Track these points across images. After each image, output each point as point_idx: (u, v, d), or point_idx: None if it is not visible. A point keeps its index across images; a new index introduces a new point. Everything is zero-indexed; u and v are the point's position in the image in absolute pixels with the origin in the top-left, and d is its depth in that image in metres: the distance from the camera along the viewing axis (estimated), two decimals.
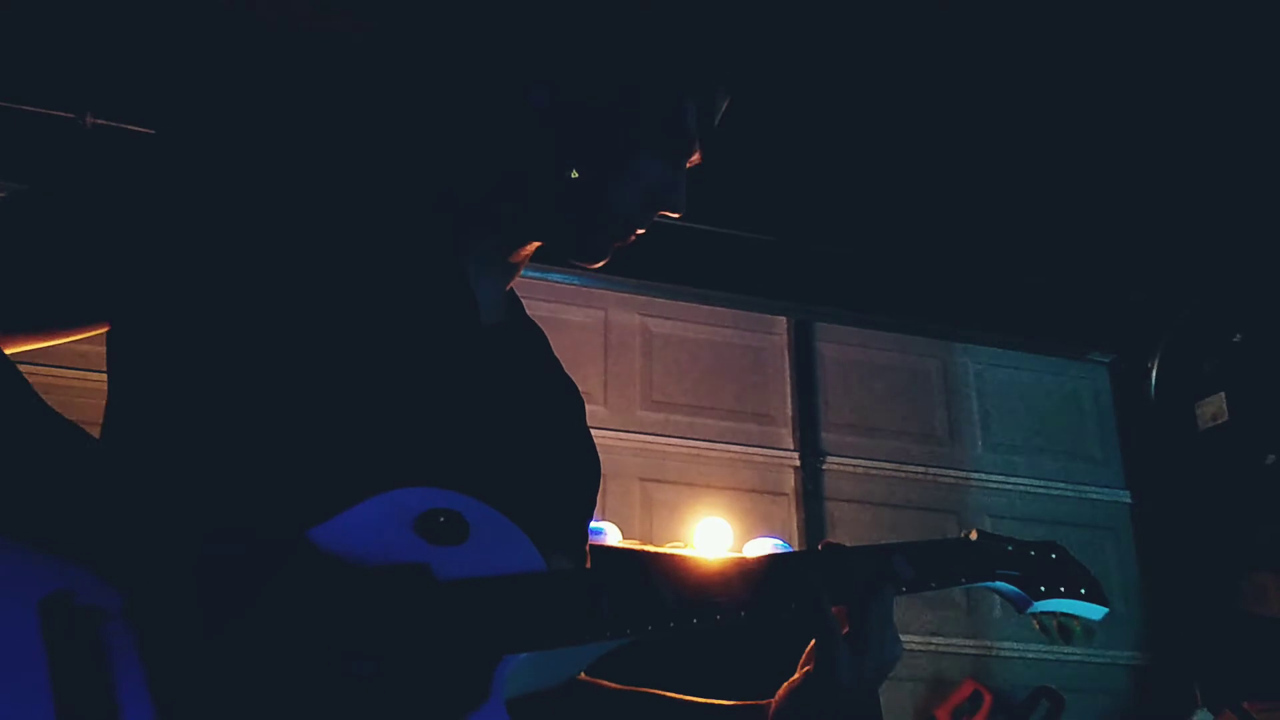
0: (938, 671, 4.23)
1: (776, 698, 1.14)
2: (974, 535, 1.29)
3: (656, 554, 3.37)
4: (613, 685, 1.23)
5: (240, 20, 3.42)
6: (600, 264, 1.22)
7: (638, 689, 1.23)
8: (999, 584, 1.27)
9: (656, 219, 1.23)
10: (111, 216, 1.01)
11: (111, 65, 3.53)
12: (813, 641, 1.12)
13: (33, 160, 3.48)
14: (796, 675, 1.13)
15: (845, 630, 1.10)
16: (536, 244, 1.23)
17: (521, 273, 1.29)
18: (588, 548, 1.26)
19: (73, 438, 0.92)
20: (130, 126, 3.55)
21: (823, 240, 4.44)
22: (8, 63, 3.46)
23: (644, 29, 1.18)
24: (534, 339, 1.30)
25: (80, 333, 1.06)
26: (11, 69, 3.48)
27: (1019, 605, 1.29)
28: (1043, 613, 1.30)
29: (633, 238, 1.22)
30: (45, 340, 1.04)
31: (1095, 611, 1.31)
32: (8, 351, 0.97)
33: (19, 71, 3.50)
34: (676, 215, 1.22)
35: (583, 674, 1.22)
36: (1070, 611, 1.30)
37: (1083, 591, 1.30)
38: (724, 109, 1.23)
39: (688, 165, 1.22)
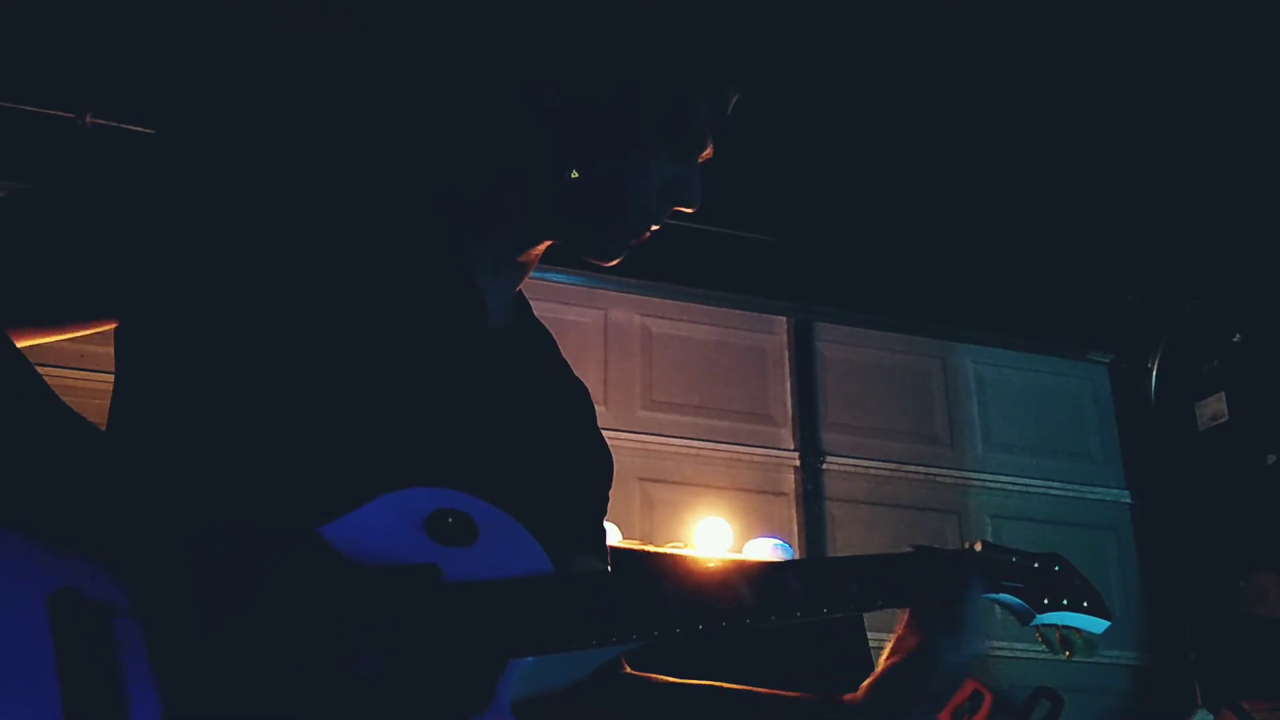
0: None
1: (866, 688, 1.20)
2: (978, 546, 1.29)
3: (664, 557, 3.37)
4: (671, 679, 1.23)
5: (240, 20, 3.42)
6: (615, 262, 1.22)
7: (699, 682, 1.23)
8: (1003, 595, 1.28)
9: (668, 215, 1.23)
10: (121, 213, 1.01)
11: (111, 65, 3.53)
12: (894, 638, 1.21)
13: (33, 160, 3.47)
14: (892, 663, 1.19)
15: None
16: (547, 244, 1.23)
17: (531, 273, 1.28)
18: (606, 545, 1.27)
19: (82, 433, 0.92)
20: (130, 126, 3.55)
21: (823, 240, 4.44)
22: (8, 63, 3.45)
23: (643, 27, 1.18)
24: (542, 340, 1.30)
25: (88, 328, 1.06)
26: (11, 69, 3.47)
27: (1022, 617, 1.30)
28: (1045, 625, 1.30)
29: (647, 235, 1.22)
30: (54, 334, 1.04)
31: (1097, 625, 1.32)
32: (17, 344, 0.97)
33: (19, 71, 3.49)
34: (691, 210, 1.22)
35: (628, 668, 1.23)
36: (1072, 624, 1.31)
37: (1085, 605, 1.31)
38: (734, 102, 1.23)
39: (700, 159, 1.22)
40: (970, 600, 1.21)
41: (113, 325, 1.06)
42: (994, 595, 1.28)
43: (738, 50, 1.22)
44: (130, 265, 1.01)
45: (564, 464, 1.21)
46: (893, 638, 1.22)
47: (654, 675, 1.24)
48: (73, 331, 1.05)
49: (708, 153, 1.23)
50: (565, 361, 1.33)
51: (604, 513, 1.29)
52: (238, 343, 1.01)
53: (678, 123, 1.18)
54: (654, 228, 1.22)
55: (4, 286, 0.98)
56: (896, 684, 1.18)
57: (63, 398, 0.94)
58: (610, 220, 1.18)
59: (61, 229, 1.00)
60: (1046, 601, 1.29)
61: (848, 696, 1.21)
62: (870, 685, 1.20)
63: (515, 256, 1.23)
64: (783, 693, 1.23)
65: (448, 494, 1.01)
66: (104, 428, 1.05)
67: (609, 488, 1.30)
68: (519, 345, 1.24)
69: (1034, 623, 1.30)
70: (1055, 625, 1.31)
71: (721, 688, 1.24)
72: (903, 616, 1.23)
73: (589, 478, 1.26)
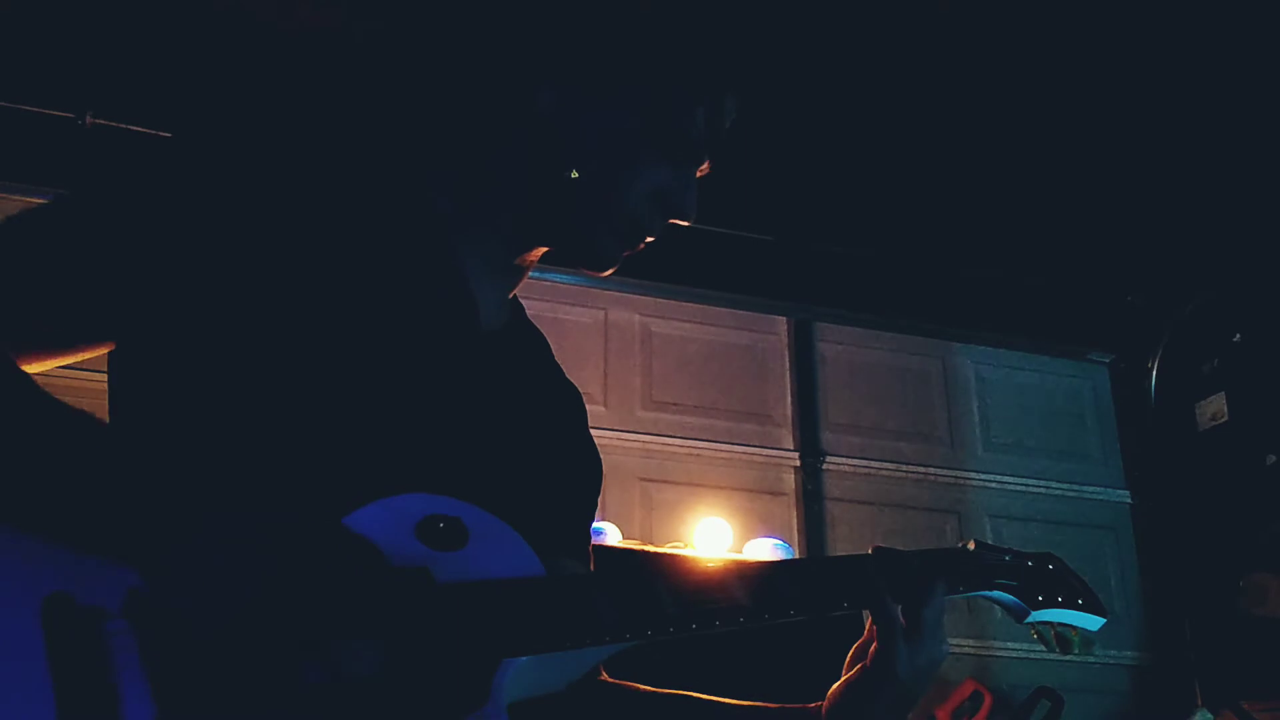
0: (938, 671, 4.23)
1: (830, 697, 1.18)
2: (972, 545, 1.30)
3: (657, 556, 3.37)
4: (645, 688, 1.23)
5: (240, 19, 3.42)
6: (609, 271, 1.21)
7: (673, 691, 1.23)
8: (997, 593, 1.28)
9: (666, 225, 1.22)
10: (113, 229, 1.01)
11: (111, 65, 3.53)
12: (857, 644, 1.19)
13: (33, 160, 3.48)
14: (851, 674, 1.17)
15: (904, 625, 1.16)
16: (543, 249, 1.23)
17: (528, 276, 1.28)
18: (591, 549, 1.27)
19: (78, 434, 0.92)
20: (130, 126, 3.55)
21: (823, 240, 4.44)
22: (8, 63, 3.46)
23: (646, 30, 1.18)
24: (535, 344, 1.30)
25: (87, 351, 1.06)
26: (11, 69, 3.48)
27: (1017, 615, 1.30)
28: (1040, 622, 1.31)
29: (642, 245, 1.21)
30: (52, 360, 1.04)
31: (1092, 622, 1.32)
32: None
33: (19, 71, 3.50)
34: (686, 223, 1.21)
35: (605, 675, 1.22)
36: (1068, 621, 1.31)
37: (1080, 602, 1.31)
38: (733, 116, 1.22)
39: (698, 174, 1.22)
40: (932, 604, 1.17)
41: (109, 348, 1.06)
42: (988, 593, 1.28)
43: (736, 49, 1.22)
44: (129, 276, 1.01)
45: (552, 468, 1.21)
46: (857, 643, 1.20)
47: (629, 683, 1.24)
48: (73, 354, 1.05)
49: (705, 168, 1.22)
50: (558, 365, 1.33)
51: (591, 518, 1.29)
52: (233, 348, 1.01)
53: (675, 125, 1.17)
54: (649, 239, 1.21)
55: (4, 311, 0.98)
56: (857, 692, 1.16)
57: (62, 398, 0.94)
58: (604, 223, 1.18)
59: (57, 249, 1.00)
60: (1041, 599, 1.29)
61: (813, 705, 1.19)
62: (834, 694, 1.18)
63: (511, 259, 1.23)
64: (755, 704, 1.22)
65: (439, 499, 1.01)
66: None
67: (597, 493, 1.30)
68: (511, 349, 1.24)
69: (1028, 620, 1.30)
70: (1050, 623, 1.31)
71: (694, 698, 1.23)
72: (868, 619, 1.20)
73: (576, 483, 1.26)
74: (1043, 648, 1.33)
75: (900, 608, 1.16)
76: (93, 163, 1.05)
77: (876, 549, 1.21)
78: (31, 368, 1.01)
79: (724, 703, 1.23)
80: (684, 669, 1.32)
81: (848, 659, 1.20)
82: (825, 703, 1.18)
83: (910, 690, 1.15)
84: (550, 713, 1.04)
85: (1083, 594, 1.32)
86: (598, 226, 1.18)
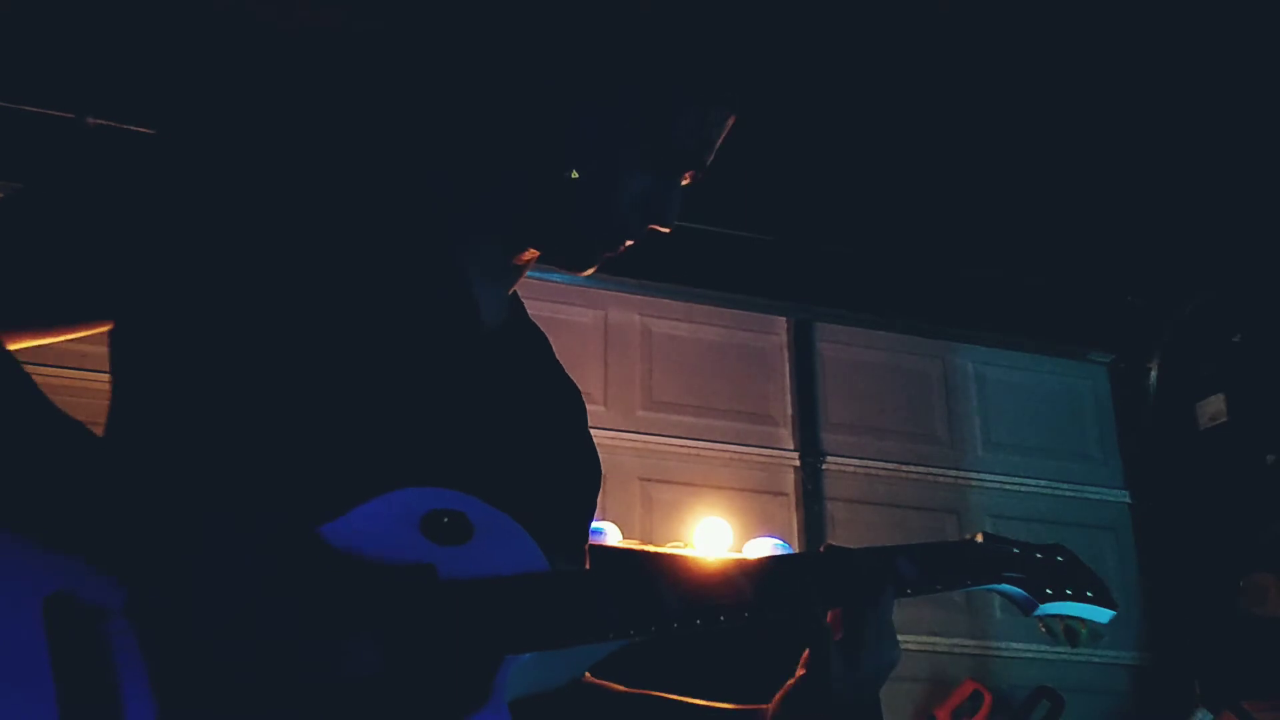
0: (938, 671, 4.24)
1: (773, 702, 1.14)
2: (979, 537, 1.28)
3: (660, 554, 3.37)
4: (618, 687, 1.23)
5: (240, 19, 3.42)
6: (587, 271, 1.21)
7: (642, 691, 1.23)
8: (1004, 586, 1.26)
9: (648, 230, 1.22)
10: (116, 214, 1.01)
11: (111, 65, 3.53)
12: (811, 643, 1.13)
13: (33, 160, 3.48)
14: (792, 679, 1.13)
15: (840, 635, 1.11)
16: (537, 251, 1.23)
17: (526, 275, 1.28)
18: (587, 549, 1.26)
19: (76, 434, 0.92)
20: (130, 126, 3.55)
21: (823, 240, 4.45)
22: (8, 63, 3.46)
23: (646, 30, 1.17)
24: (536, 342, 1.30)
25: (83, 330, 1.06)
26: (11, 69, 3.48)
27: (1024, 608, 1.27)
28: (1049, 615, 1.28)
29: (622, 248, 1.21)
30: (49, 336, 1.04)
31: (1102, 614, 1.30)
32: (11, 347, 0.97)
33: (19, 71, 3.50)
34: (665, 230, 1.21)
35: (588, 675, 1.22)
36: (1077, 614, 1.29)
37: (1089, 594, 1.29)
38: (728, 129, 1.22)
39: (684, 182, 1.21)
40: (876, 613, 1.10)
41: (108, 327, 1.06)
42: (996, 586, 1.26)
43: (736, 48, 1.21)
44: (127, 266, 1.01)
45: (552, 467, 1.20)
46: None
47: (608, 684, 1.23)
48: (68, 333, 1.05)
49: (691, 176, 1.21)
50: (558, 363, 1.32)
51: (590, 518, 1.28)
52: (234, 343, 1.00)
53: (670, 129, 1.17)
54: (629, 242, 1.21)
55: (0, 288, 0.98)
56: (796, 701, 1.11)
57: (62, 398, 0.94)
58: (603, 223, 1.17)
59: (56, 231, 1.00)
60: (1049, 592, 1.27)
61: (764, 706, 1.15)
62: (776, 701, 1.13)
63: (509, 259, 1.23)
64: (726, 706, 1.20)
65: (443, 493, 1.00)
66: (102, 428, 1.05)
67: (595, 493, 1.29)
68: (511, 347, 1.23)
69: (1036, 613, 1.28)
70: (1058, 616, 1.29)
71: (665, 699, 1.22)
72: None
73: (576, 482, 1.26)
74: (1043, 647, 1.32)
75: (840, 615, 1.11)
76: (96, 160, 1.06)
77: (829, 547, 1.16)
78: (24, 343, 1.01)
79: (685, 703, 1.21)
80: (664, 669, 1.31)
81: (801, 661, 1.14)
82: (770, 708, 1.14)
83: (853, 702, 1.09)
84: (530, 710, 1.04)
85: (1092, 586, 1.30)
86: (596, 227, 1.18)
